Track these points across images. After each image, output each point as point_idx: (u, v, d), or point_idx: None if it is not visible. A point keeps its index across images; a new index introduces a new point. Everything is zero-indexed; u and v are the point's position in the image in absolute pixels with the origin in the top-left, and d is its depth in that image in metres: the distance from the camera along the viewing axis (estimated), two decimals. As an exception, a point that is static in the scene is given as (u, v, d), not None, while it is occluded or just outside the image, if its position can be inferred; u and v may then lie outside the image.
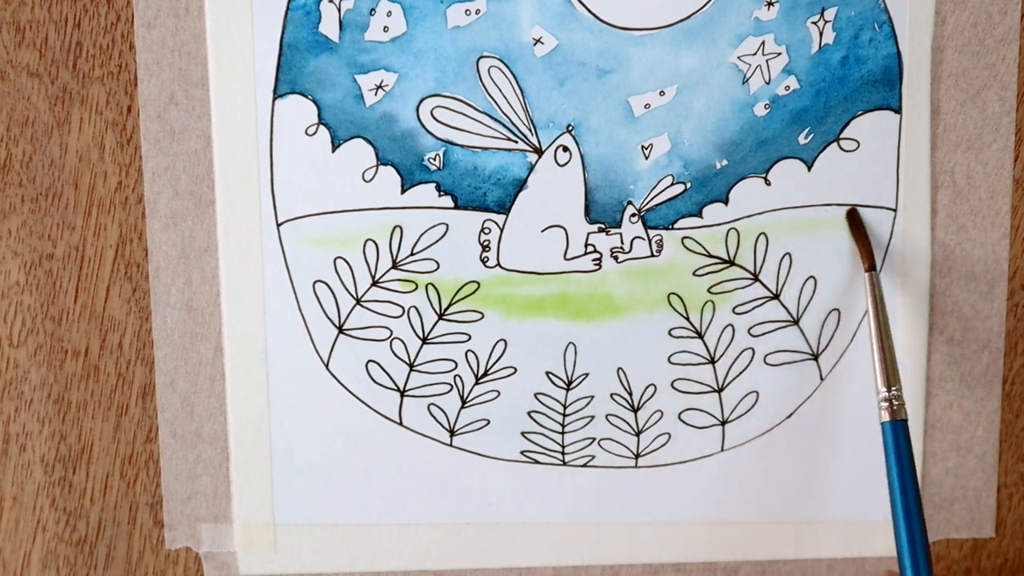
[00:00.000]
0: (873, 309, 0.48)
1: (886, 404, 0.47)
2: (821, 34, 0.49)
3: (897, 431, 0.46)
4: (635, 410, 0.52)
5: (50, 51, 0.48)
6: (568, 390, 0.51)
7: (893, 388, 0.47)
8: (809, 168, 0.50)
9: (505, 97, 0.48)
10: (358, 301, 0.50)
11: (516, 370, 0.51)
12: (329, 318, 0.50)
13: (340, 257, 0.50)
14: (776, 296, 0.51)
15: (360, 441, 0.51)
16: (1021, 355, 0.53)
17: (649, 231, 0.50)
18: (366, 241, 0.49)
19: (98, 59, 0.48)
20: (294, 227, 0.49)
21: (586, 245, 0.50)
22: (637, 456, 0.52)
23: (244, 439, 0.51)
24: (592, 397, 0.51)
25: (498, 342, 0.50)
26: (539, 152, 0.49)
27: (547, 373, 0.51)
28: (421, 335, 0.50)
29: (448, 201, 0.49)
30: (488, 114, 0.49)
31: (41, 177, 0.49)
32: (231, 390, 0.50)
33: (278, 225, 0.49)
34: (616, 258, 0.50)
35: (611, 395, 0.51)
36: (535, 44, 0.48)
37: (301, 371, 0.50)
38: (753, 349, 0.51)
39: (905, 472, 0.46)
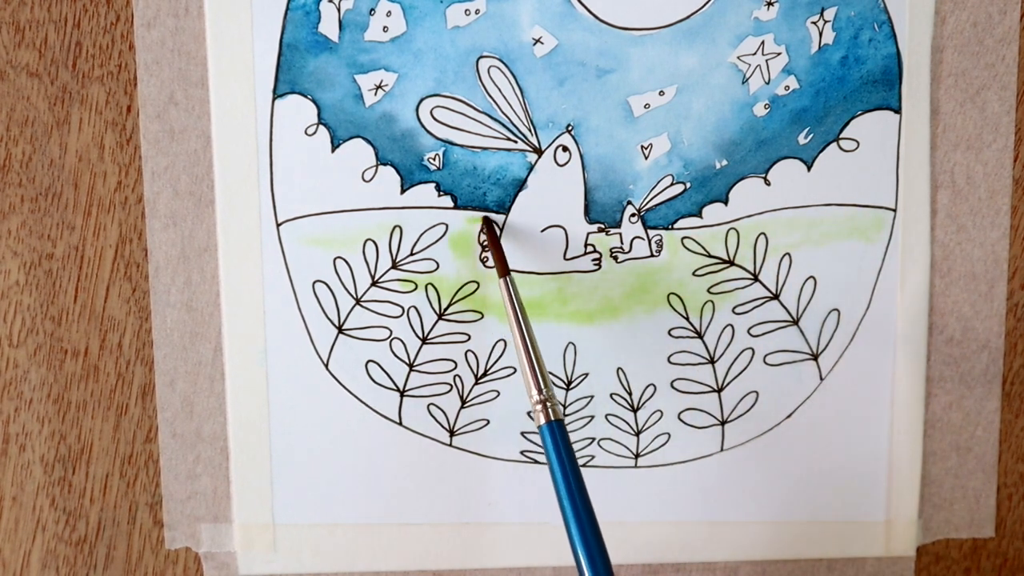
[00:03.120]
0: (513, 314, 0.46)
1: (540, 407, 0.44)
2: (821, 34, 0.49)
3: (554, 431, 0.44)
4: (635, 410, 0.52)
5: (50, 51, 0.48)
6: (568, 390, 0.51)
7: (545, 391, 0.45)
8: (809, 168, 0.50)
9: (505, 97, 0.48)
10: (358, 301, 0.50)
11: (516, 370, 0.51)
12: (329, 318, 0.50)
13: (340, 257, 0.50)
14: (776, 296, 0.51)
15: (360, 441, 0.51)
16: (1021, 355, 0.53)
17: (649, 231, 0.50)
18: (366, 241, 0.49)
19: (98, 59, 0.48)
20: (294, 227, 0.49)
21: (586, 245, 0.50)
22: (637, 456, 0.52)
23: (244, 439, 0.51)
24: (592, 397, 0.51)
25: (498, 342, 0.50)
26: (539, 152, 0.49)
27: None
28: (421, 335, 0.50)
29: (448, 201, 0.49)
30: (488, 114, 0.49)
31: (41, 177, 0.49)
32: (231, 390, 0.50)
33: (278, 225, 0.49)
34: (616, 258, 0.50)
35: (611, 395, 0.51)
36: (535, 44, 0.48)
37: (301, 371, 0.50)
38: (753, 349, 0.51)
39: (568, 471, 0.44)
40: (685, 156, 0.49)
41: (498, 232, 0.49)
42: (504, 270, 0.48)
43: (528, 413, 0.51)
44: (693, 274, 0.51)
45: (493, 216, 0.49)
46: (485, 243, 0.49)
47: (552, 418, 0.44)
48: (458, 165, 0.49)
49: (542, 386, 0.45)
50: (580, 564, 0.43)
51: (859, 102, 0.49)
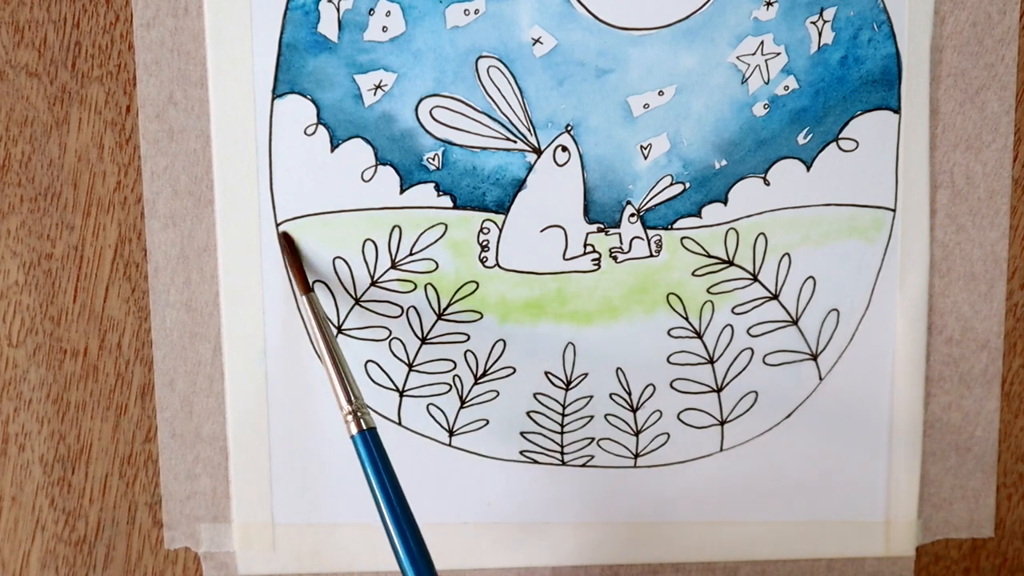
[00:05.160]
0: (318, 331, 0.47)
1: (352, 418, 0.45)
2: (820, 34, 0.49)
3: (367, 440, 0.45)
4: (634, 410, 0.52)
5: (49, 51, 0.48)
6: (567, 390, 0.51)
7: (355, 400, 0.46)
8: (808, 168, 0.50)
9: (504, 97, 0.48)
10: (357, 301, 0.50)
11: (515, 370, 0.51)
12: (328, 318, 0.50)
13: (339, 257, 0.50)
14: (775, 296, 0.51)
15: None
16: (1020, 355, 0.53)
17: (648, 231, 0.50)
18: (365, 241, 0.49)
19: (97, 59, 0.48)
20: (293, 227, 0.49)
21: (585, 245, 0.50)
22: (636, 456, 0.52)
23: (243, 439, 0.51)
24: (591, 397, 0.51)
25: (497, 342, 0.50)
26: (538, 152, 0.49)
27: (546, 373, 0.51)
28: (420, 335, 0.50)
29: (447, 201, 0.49)
30: (487, 114, 0.49)
31: (40, 177, 0.49)
32: (230, 390, 0.50)
33: (277, 225, 0.49)
34: (615, 258, 0.50)
35: (610, 395, 0.51)
36: (534, 44, 0.48)
37: (300, 371, 0.50)
38: (752, 349, 0.51)
39: (384, 478, 0.44)
40: (684, 156, 0.49)
41: (298, 248, 0.49)
42: (306, 288, 0.48)
43: (528, 413, 0.51)
44: (692, 274, 0.51)
45: (492, 216, 0.49)
46: (285, 262, 0.49)
47: (364, 427, 0.45)
48: (457, 165, 0.49)
49: (352, 396, 0.46)
50: (403, 570, 0.44)
51: (858, 102, 0.49)
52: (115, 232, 0.50)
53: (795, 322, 0.51)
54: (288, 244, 0.49)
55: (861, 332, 0.52)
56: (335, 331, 0.50)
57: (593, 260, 0.50)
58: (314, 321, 0.47)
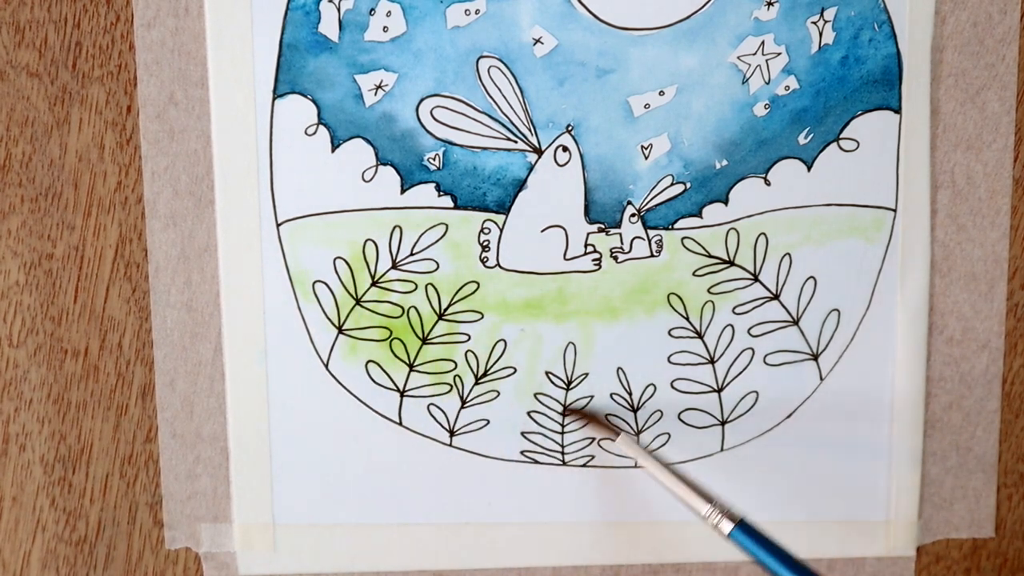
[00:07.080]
0: (652, 462, 0.49)
1: (720, 518, 0.46)
2: (821, 34, 0.49)
3: (746, 531, 0.46)
4: (635, 410, 0.52)
5: (50, 51, 0.48)
6: (568, 390, 0.51)
7: (713, 500, 0.47)
8: (809, 168, 0.50)
9: (505, 97, 0.48)
10: (358, 301, 0.50)
11: (516, 370, 0.51)
12: (329, 318, 0.50)
13: (340, 257, 0.50)
14: (776, 296, 0.51)
15: (360, 441, 0.51)
16: (1021, 355, 0.53)
17: (649, 231, 0.50)
18: (366, 241, 0.49)
19: (98, 59, 0.48)
20: (294, 227, 0.49)
21: (586, 245, 0.50)
22: (637, 456, 0.52)
23: (244, 439, 0.51)
24: (592, 397, 0.51)
25: (498, 342, 0.50)
26: (539, 152, 0.49)
27: (547, 373, 0.51)
28: (421, 335, 0.50)
29: (448, 201, 0.49)
30: (488, 114, 0.49)
31: (41, 177, 0.49)
32: (231, 390, 0.50)
33: (278, 225, 0.49)
34: (616, 258, 0.50)
35: (611, 395, 0.51)
36: (535, 44, 0.48)
37: (301, 371, 0.50)
38: (753, 349, 0.51)
39: (780, 555, 0.46)
40: (685, 156, 0.49)
41: (588, 410, 0.51)
42: (617, 432, 0.50)
43: (529, 413, 0.51)
44: (693, 274, 0.51)
45: (493, 217, 0.49)
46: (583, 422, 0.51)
47: (735, 520, 0.46)
48: (458, 165, 0.49)
49: (708, 498, 0.47)
50: None
51: (859, 102, 0.49)
52: (116, 232, 0.50)
53: (796, 322, 0.51)
54: (581, 414, 0.51)
55: (862, 332, 0.52)
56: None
57: (594, 260, 0.50)
58: (645, 457, 0.49)
